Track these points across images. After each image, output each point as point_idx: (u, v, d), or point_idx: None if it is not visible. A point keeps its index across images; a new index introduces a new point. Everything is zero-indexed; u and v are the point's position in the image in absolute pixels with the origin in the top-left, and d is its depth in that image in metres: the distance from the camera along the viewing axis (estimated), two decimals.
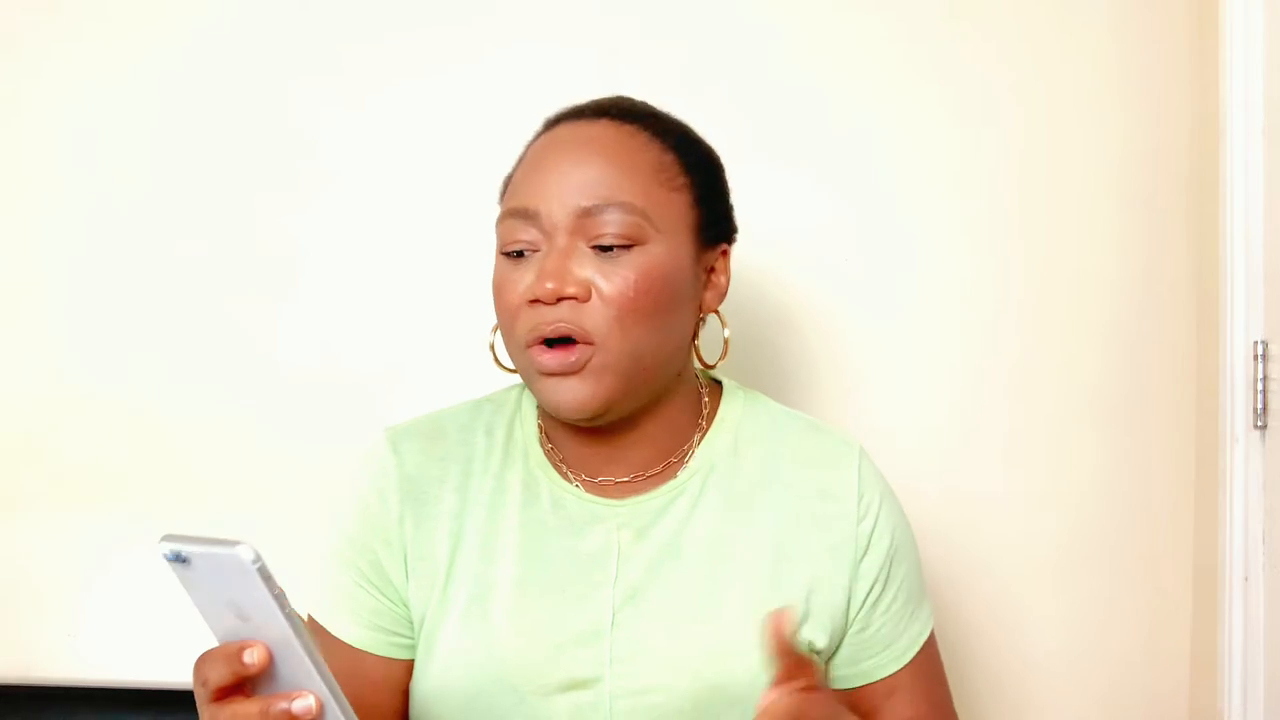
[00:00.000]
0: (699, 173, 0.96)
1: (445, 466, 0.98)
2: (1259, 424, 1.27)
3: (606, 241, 0.89)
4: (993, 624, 1.42)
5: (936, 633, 1.02)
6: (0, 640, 1.44)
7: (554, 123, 0.98)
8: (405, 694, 0.96)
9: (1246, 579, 1.28)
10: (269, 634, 0.67)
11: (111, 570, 1.43)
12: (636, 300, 0.89)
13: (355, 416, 1.40)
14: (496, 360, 1.00)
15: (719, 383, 1.04)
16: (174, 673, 1.37)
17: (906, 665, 0.97)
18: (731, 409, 1.00)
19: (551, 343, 0.89)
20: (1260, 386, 1.27)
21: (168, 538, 0.67)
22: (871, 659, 0.97)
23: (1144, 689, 1.42)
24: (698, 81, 1.40)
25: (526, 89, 1.41)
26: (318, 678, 0.68)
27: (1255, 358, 1.27)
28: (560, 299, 0.89)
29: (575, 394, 0.89)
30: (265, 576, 0.65)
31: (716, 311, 1.00)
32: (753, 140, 1.40)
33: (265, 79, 1.44)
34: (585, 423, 0.92)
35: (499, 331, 0.96)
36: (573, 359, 0.89)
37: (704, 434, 0.99)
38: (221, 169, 1.44)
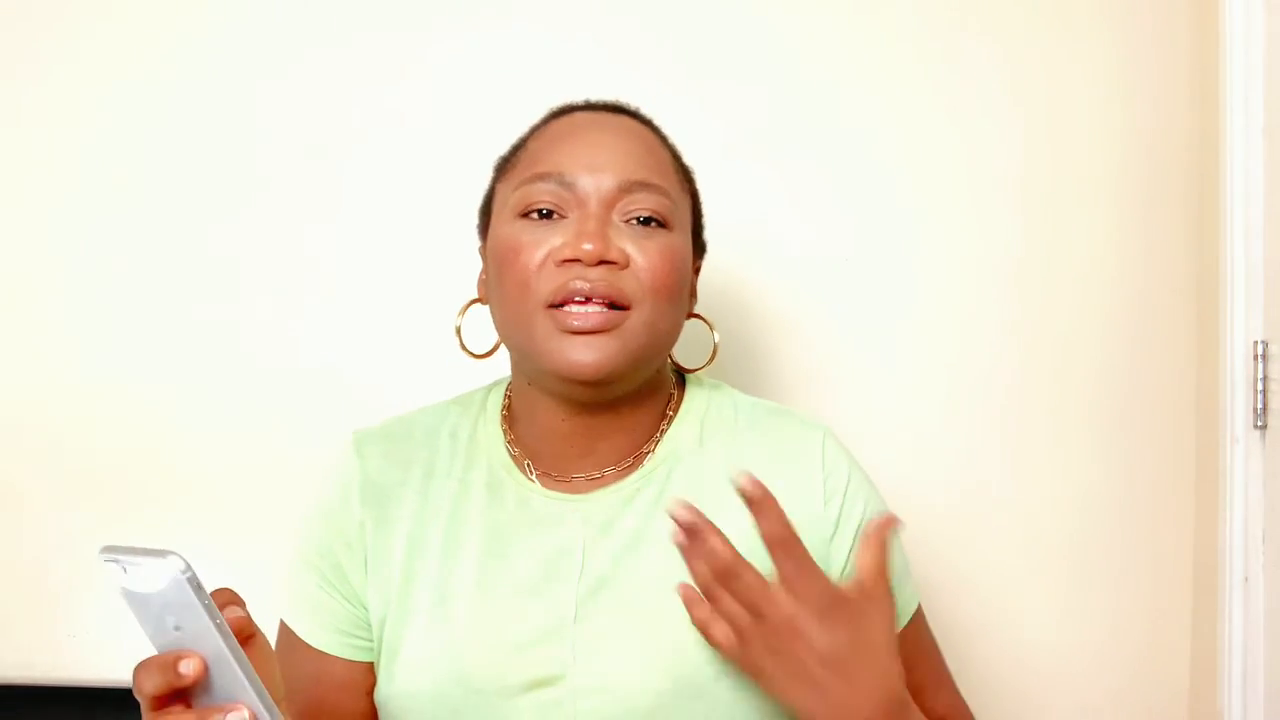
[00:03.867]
0: (693, 184, 1.00)
1: (407, 469, 0.97)
2: (1259, 424, 1.27)
3: (645, 214, 0.90)
4: (992, 624, 1.42)
5: (935, 632, 1.02)
6: (0, 640, 1.44)
7: (566, 110, 0.97)
8: (371, 696, 0.96)
9: (1246, 579, 1.28)
10: (203, 645, 0.68)
11: (111, 570, 1.43)
12: (668, 276, 0.90)
13: (356, 419, 1.40)
14: (463, 345, 1.00)
15: (683, 376, 1.04)
16: None
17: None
18: (696, 400, 1.00)
19: (576, 301, 0.88)
20: (1260, 386, 1.27)
21: (106, 549, 0.68)
22: None
23: (1144, 689, 1.42)
24: (696, 80, 1.40)
25: (515, 89, 1.41)
26: (250, 690, 0.68)
27: (1255, 358, 1.27)
28: (601, 262, 0.88)
29: (599, 351, 0.88)
30: (196, 586, 0.65)
31: (702, 316, 1.01)
32: (751, 140, 1.40)
33: (263, 84, 1.44)
34: (585, 391, 0.91)
35: (494, 303, 0.94)
36: (605, 316, 0.88)
37: (669, 425, 0.98)
38: (224, 171, 1.43)
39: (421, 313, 1.42)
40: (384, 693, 0.94)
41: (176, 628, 0.68)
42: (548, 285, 0.88)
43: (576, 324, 0.88)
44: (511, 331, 0.93)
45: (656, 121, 1.00)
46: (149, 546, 0.67)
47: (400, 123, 1.43)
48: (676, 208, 0.93)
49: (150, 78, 1.44)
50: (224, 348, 1.44)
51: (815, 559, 0.90)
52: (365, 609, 0.95)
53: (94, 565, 1.46)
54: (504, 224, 0.93)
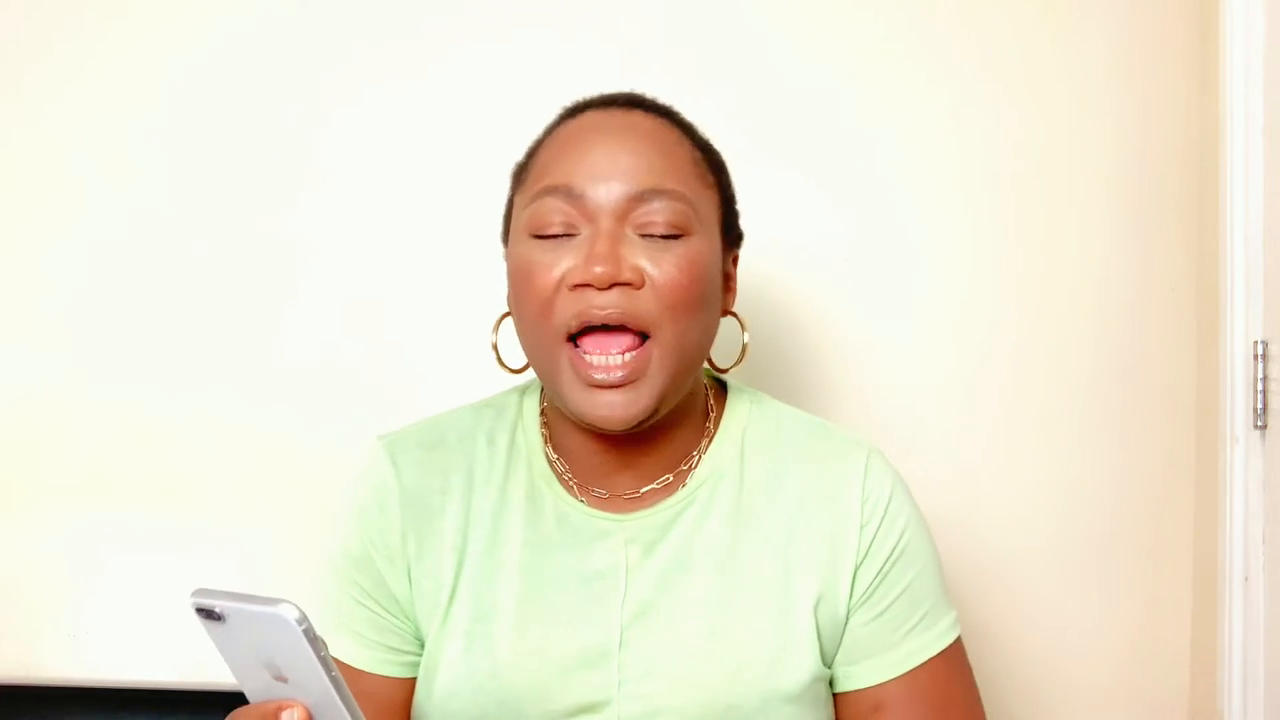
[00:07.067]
0: (721, 174, 0.95)
1: (447, 477, 0.94)
2: (1259, 424, 1.27)
3: (658, 230, 0.86)
4: (991, 625, 1.42)
5: None
6: (2, 640, 1.44)
7: (579, 110, 0.93)
8: (409, 712, 0.93)
9: (1246, 579, 1.27)
10: (308, 693, 0.65)
11: (112, 570, 1.43)
12: (688, 289, 0.86)
13: (359, 418, 1.40)
14: (500, 360, 0.96)
15: (722, 385, 1.00)
16: (174, 673, 1.37)
17: (897, 680, 0.91)
18: (737, 413, 0.97)
19: (594, 329, 0.85)
20: (1260, 386, 1.26)
21: (199, 592, 0.64)
22: (857, 664, 0.91)
23: (1143, 689, 1.42)
24: (697, 84, 1.40)
25: (529, 87, 1.41)
26: None
27: (1255, 358, 1.27)
28: (613, 284, 0.84)
29: (625, 408, 0.85)
30: (311, 637, 0.63)
31: (735, 314, 0.98)
32: (752, 143, 1.40)
33: (265, 77, 1.44)
34: (621, 431, 0.88)
35: (516, 325, 0.91)
36: (627, 367, 0.84)
37: (710, 440, 0.95)
38: (223, 168, 1.43)
39: (433, 314, 1.43)
40: (422, 710, 0.91)
41: (280, 676, 0.65)
42: (564, 314, 0.85)
43: (599, 378, 0.85)
44: (536, 362, 0.91)
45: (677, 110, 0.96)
46: (253, 593, 0.64)
47: (403, 118, 1.43)
48: (696, 209, 0.88)
49: (147, 77, 1.44)
50: (228, 347, 1.44)
51: (845, 583, 0.90)
52: (410, 620, 0.92)
53: (93, 565, 1.47)
54: (519, 243, 0.90)
